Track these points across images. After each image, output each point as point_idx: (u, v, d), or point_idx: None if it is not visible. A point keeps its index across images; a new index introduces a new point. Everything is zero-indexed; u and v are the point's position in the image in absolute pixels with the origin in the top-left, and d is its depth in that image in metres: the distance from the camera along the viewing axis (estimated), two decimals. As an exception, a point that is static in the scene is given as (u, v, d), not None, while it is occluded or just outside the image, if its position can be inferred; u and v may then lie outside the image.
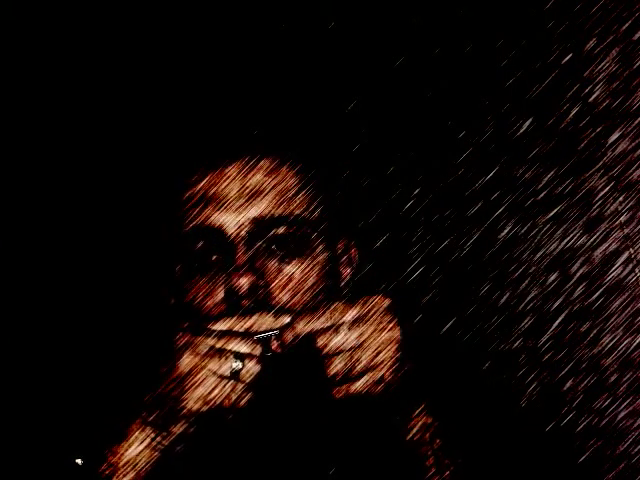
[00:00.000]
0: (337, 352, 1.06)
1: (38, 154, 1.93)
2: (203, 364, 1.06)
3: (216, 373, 1.06)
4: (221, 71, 1.90)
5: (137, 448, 1.08)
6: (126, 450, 1.08)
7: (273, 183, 1.23)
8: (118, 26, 1.93)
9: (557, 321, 1.71)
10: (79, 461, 1.13)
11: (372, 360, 1.05)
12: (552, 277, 1.73)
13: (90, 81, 1.94)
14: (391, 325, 1.07)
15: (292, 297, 1.20)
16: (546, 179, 1.75)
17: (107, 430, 1.11)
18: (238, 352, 1.07)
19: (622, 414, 1.62)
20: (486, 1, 1.82)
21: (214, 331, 1.09)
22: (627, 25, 1.65)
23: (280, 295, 1.19)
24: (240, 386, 1.07)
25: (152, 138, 1.86)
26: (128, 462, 1.08)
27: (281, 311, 1.12)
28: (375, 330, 1.06)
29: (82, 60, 1.93)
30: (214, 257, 1.22)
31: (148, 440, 1.08)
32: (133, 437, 1.08)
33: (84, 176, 1.92)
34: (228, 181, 1.23)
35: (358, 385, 1.06)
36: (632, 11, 1.65)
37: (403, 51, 1.89)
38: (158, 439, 1.08)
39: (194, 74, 1.90)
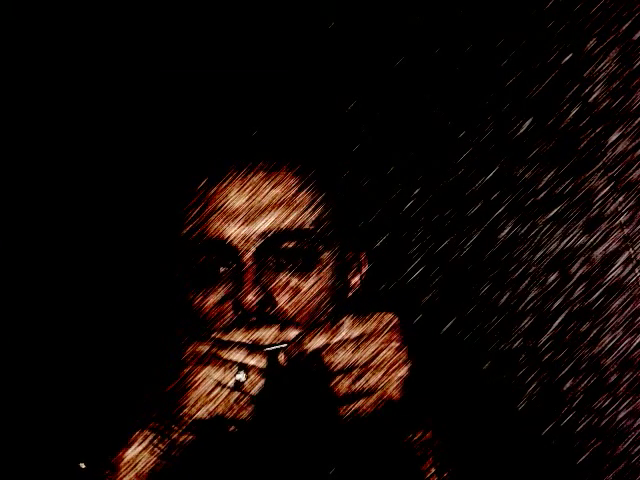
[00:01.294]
0: (343, 369, 1.05)
1: (45, 161, 1.93)
2: (207, 373, 1.05)
3: (219, 383, 1.05)
4: (227, 77, 1.90)
5: (139, 454, 1.07)
6: (129, 455, 1.08)
7: (282, 195, 1.21)
8: (120, 34, 1.93)
9: (557, 321, 1.71)
10: (83, 465, 1.13)
11: (379, 377, 1.04)
12: (552, 277, 1.73)
13: (95, 91, 1.93)
14: (398, 342, 1.06)
15: (300, 311, 1.19)
16: (546, 179, 1.75)
17: (111, 435, 1.11)
18: (242, 363, 1.06)
19: (622, 414, 1.62)
20: (486, 1, 1.82)
21: (220, 341, 1.08)
22: (627, 25, 1.65)
23: (288, 309, 1.18)
24: (243, 398, 1.06)
25: (159, 142, 1.86)
26: (130, 467, 1.07)
27: (289, 325, 1.11)
28: (382, 347, 1.05)
29: (85, 68, 1.93)
30: (221, 269, 1.21)
31: (150, 446, 1.08)
32: (136, 442, 1.08)
33: (90, 183, 1.92)
34: (237, 193, 1.21)
35: (364, 402, 1.05)
36: (632, 11, 1.65)
37: (403, 51, 1.89)
38: (160, 445, 1.08)
39: (199, 83, 1.90)
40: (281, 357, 1.08)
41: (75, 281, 1.88)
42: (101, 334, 1.83)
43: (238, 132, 1.34)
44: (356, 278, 1.34)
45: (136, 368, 1.39)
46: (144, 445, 1.08)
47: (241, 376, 1.06)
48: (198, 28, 1.94)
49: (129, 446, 1.08)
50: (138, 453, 1.07)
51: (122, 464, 1.07)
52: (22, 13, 1.92)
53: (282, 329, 1.10)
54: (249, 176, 1.22)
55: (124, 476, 1.07)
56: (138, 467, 1.07)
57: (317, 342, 1.06)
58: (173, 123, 1.86)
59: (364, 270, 1.36)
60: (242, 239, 1.19)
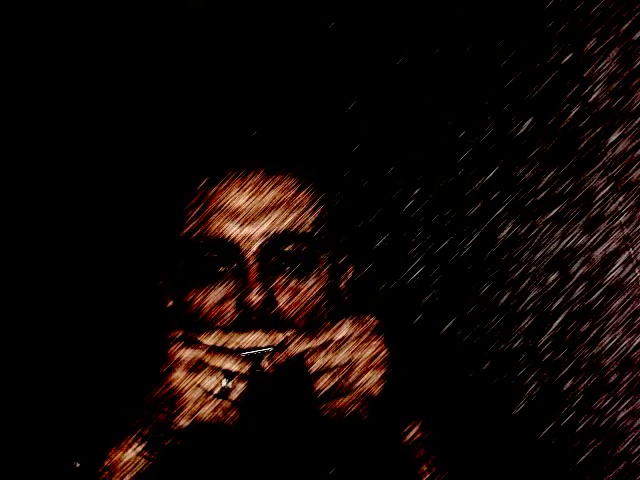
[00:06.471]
0: (325, 369, 1.07)
1: (46, 160, 1.93)
2: (194, 380, 1.07)
3: (206, 390, 1.07)
4: (227, 77, 1.90)
5: (134, 458, 1.09)
6: (123, 459, 1.09)
7: (281, 197, 1.23)
8: (120, 34, 1.93)
9: (557, 321, 1.71)
10: (77, 464, 1.13)
11: (360, 376, 1.07)
12: (552, 277, 1.73)
13: (96, 91, 1.93)
14: (379, 343, 1.08)
15: (295, 314, 1.20)
16: (546, 179, 1.75)
17: (105, 434, 1.12)
18: (229, 370, 1.08)
19: (622, 414, 1.62)
20: (486, 1, 1.82)
21: (208, 346, 1.09)
22: (627, 25, 1.65)
23: (285, 312, 1.19)
24: (230, 405, 1.07)
25: (161, 142, 1.86)
26: (125, 471, 1.08)
27: (279, 328, 1.12)
28: (363, 348, 1.07)
29: (85, 68, 1.93)
30: (221, 268, 1.22)
31: (144, 450, 1.09)
32: (130, 446, 1.09)
33: (91, 182, 1.92)
34: (238, 193, 1.22)
35: (346, 401, 1.07)
36: (632, 11, 1.65)
37: (403, 51, 1.89)
38: (153, 450, 1.08)
39: (199, 83, 1.90)
40: (266, 362, 1.09)
41: (70, 280, 1.88)
42: (97, 335, 1.83)
43: (238, 133, 1.35)
44: (345, 286, 1.36)
45: (131, 370, 1.40)
46: (138, 449, 1.09)
47: (228, 383, 1.07)
48: (198, 28, 1.94)
49: (123, 450, 1.09)
50: (132, 457, 1.08)
51: (117, 468, 1.08)
52: (22, 13, 1.92)
53: (272, 333, 1.11)
54: (249, 177, 1.23)
55: (118, 475, 1.08)
56: (133, 471, 1.08)
57: (300, 345, 1.09)
58: (175, 123, 1.86)
59: (351, 279, 1.38)
60: (244, 238, 1.20)
